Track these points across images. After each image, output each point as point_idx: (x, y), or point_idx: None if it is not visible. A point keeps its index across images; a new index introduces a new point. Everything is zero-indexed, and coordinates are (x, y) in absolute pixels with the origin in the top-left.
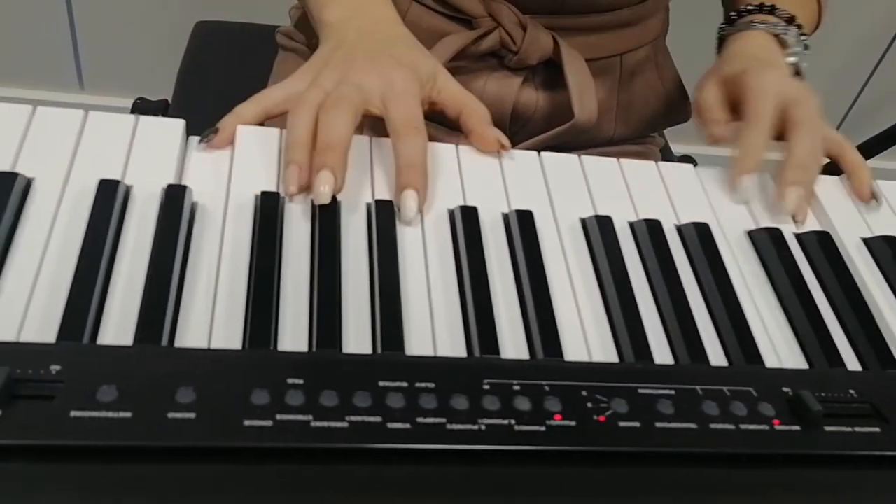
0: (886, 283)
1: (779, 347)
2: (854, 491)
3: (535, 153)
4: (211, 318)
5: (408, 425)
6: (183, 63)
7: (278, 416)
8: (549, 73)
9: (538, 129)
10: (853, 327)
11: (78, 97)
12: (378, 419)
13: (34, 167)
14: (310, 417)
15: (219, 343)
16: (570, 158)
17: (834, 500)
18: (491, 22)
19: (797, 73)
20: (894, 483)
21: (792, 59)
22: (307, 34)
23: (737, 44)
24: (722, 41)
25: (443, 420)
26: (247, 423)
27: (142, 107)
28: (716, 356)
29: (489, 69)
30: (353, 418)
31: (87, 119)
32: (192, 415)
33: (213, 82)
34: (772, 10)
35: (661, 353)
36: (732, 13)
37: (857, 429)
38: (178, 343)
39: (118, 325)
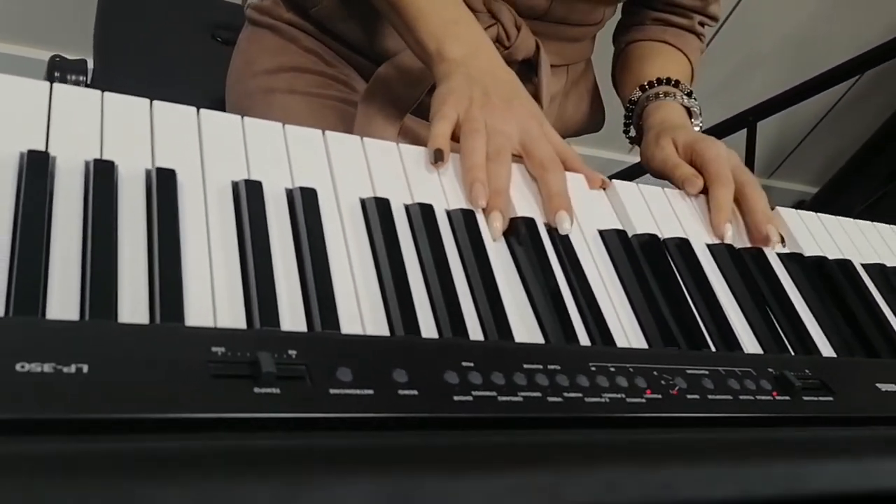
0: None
1: (742, 337)
2: (825, 441)
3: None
4: (358, 306)
5: (560, 399)
6: (97, 21)
7: (474, 393)
8: (521, 71)
9: None
10: (780, 319)
11: None
12: (538, 394)
13: (171, 162)
14: (494, 393)
15: (371, 330)
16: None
17: (816, 446)
18: (489, 18)
19: None
20: (845, 435)
21: (697, 128)
22: (299, 15)
23: (661, 112)
24: (633, 104)
25: (580, 395)
26: (455, 398)
27: (61, 65)
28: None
29: None
30: (524, 394)
31: (201, 119)
32: (415, 391)
33: (130, 43)
34: (676, 85)
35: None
36: (644, 83)
37: (821, 398)
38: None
39: (291, 312)
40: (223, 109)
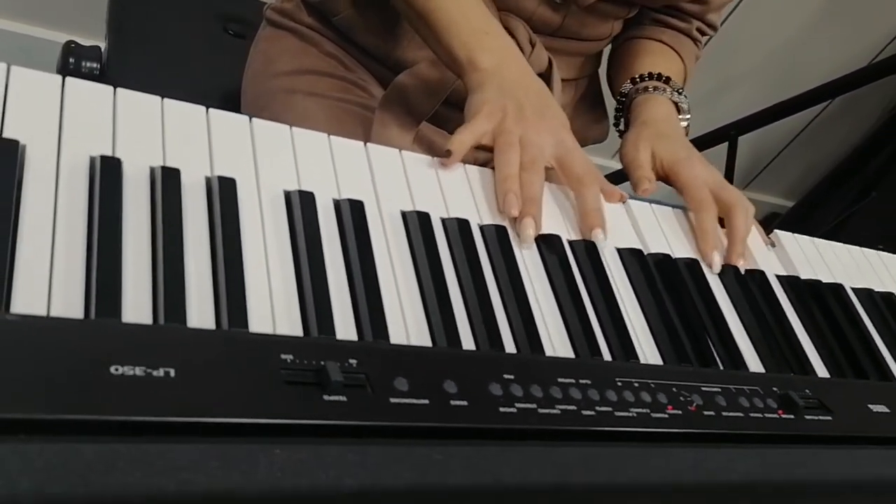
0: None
1: (745, 355)
2: (826, 457)
3: None
4: (403, 317)
5: (593, 412)
6: (110, 8)
7: (517, 405)
8: None
9: None
10: (780, 339)
11: None
12: (574, 407)
13: (228, 169)
14: (535, 406)
15: (414, 340)
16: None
17: (817, 462)
18: None
19: (686, 131)
20: (843, 453)
21: (685, 123)
22: (321, 21)
23: (646, 107)
24: (624, 97)
25: (610, 409)
26: (501, 409)
27: (76, 52)
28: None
29: None
30: (561, 407)
31: (253, 127)
32: (465, 402)
33: (142, 32)
34: (667, 81)
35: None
36: (635, 76)
37: (821, 417)
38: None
39: (342, 321)
40: (234, 103)
